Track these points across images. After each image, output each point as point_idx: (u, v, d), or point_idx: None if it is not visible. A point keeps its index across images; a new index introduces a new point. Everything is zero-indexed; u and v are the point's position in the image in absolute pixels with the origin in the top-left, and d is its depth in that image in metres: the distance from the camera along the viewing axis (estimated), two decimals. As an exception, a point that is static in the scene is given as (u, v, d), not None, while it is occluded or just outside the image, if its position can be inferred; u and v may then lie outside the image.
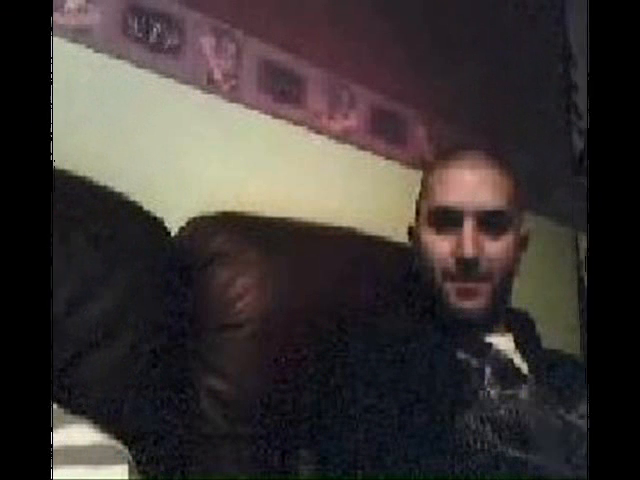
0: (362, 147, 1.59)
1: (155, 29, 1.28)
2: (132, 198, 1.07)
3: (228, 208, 1.23)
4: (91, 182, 1.04)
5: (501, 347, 1.12)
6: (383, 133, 1.64)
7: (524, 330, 1.23)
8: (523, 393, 1.06)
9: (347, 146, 1.57)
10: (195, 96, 1.33)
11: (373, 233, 1.37)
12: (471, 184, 1.13)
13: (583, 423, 1.08)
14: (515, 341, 1.18)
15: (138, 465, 0.73)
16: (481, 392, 1.03)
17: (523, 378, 1.09)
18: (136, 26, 1.26)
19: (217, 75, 1.36)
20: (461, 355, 1.08)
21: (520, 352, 1.16)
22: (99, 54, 1.22)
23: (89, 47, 1.20)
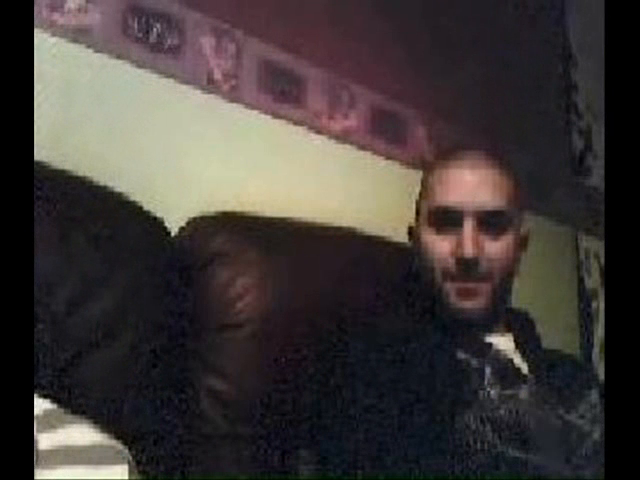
0: (362, 147, 1.59)
1: (155, 29, 1.28)
2: (132, 198, 1.07)
3: (228, 208, 1.23)
4: (91, 182, 1.04)
5: (501, 347, 1.12)
6: (383, 133, 1.64)
7: (524, 330, 1.23)
8: (523, 393, 1.06)
9: (347, 146, 1.57)
10: (195, 96, 1.33)
11: (373, 233, 1.37)
12: (471, 184, 1.13)
13: (583, 423, 1.08)
14: (515, 341, 1.18)
15: (138, 465, 0.73)
16: (481, 392, 1.03)
17: (523, 378, 1.09)
18: (136, 26, 1.26)
19: (217, 75, 1.36)
20: (461, 355, 1.08)
21: (520, 352, 1.16)
22: (99, 54, 1.22)
23: (89, 47, 1.20)
